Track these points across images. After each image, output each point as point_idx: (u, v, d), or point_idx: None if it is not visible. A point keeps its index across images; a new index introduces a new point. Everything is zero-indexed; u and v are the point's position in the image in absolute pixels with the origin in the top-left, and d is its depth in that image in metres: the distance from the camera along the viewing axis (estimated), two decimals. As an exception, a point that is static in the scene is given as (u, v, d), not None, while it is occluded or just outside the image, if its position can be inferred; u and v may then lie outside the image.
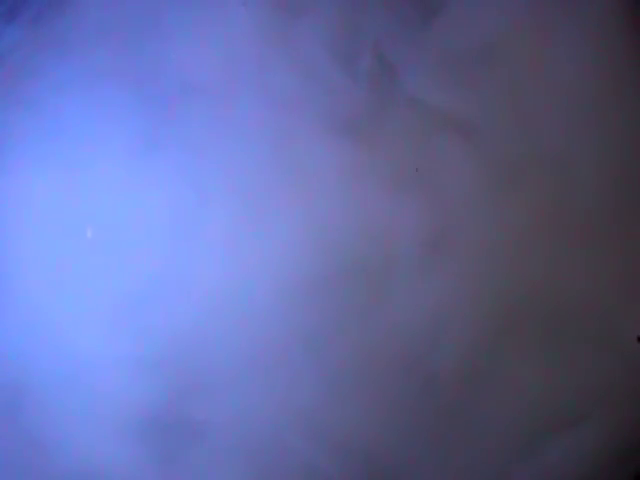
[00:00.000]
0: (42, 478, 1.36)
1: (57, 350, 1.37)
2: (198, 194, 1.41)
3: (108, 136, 1.43)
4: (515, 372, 1.36)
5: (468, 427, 1.36)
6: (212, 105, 1.43)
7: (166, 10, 1.46)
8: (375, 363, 1.37)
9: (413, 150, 1.41)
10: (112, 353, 1.37)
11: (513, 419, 1.36)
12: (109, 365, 1.37)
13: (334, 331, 1.37)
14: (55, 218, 1.41)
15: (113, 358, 1.37)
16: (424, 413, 1.36)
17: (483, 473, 1.36)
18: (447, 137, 1.41)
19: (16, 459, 1.36)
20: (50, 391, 1.37)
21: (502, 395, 1.36)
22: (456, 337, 1.37)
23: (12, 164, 1.42)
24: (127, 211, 1.41)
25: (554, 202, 1.39)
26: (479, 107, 1.42)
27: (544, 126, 1.41)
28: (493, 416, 1.36)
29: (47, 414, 1.36)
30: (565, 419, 1.36)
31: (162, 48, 1.44)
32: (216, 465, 1.36)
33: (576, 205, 1.40)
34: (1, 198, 1.42)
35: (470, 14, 1.45)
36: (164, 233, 1.41)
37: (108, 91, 1.43)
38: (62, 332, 1.37)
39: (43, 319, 1.38)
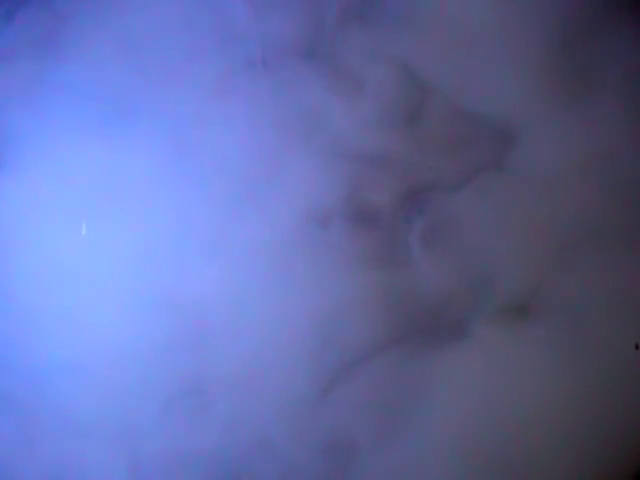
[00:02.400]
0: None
1: (45, 349, 1.37)
2: (198, 192, 1.41)
3: (107, 136, 1.43)
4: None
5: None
6: (210, 103, 1.43)
7: (164, 6, 1.45)
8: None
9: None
10: (106, 354, 1.37)
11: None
12: (102, 366, 1.37)
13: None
14: (52, 213, 1.41)
15: (107, 359, 1.37)
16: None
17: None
18: (482, 145, 1.41)
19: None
20: (35, 390, 1.37)
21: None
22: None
23: (10, 164, 1.43)
24: (126, 210, 1.41)
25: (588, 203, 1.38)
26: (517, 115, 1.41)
27: (586, 131, 1.40)
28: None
29: (28, 413, 1.37)
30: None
31: (160, 45, 1.44)
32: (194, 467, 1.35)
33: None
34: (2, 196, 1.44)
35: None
36: (164, 233, 1.41)
37: (107, 90, 1.44)
38: (51, 331, 1.37)
39: (31, 316, 1.38)
